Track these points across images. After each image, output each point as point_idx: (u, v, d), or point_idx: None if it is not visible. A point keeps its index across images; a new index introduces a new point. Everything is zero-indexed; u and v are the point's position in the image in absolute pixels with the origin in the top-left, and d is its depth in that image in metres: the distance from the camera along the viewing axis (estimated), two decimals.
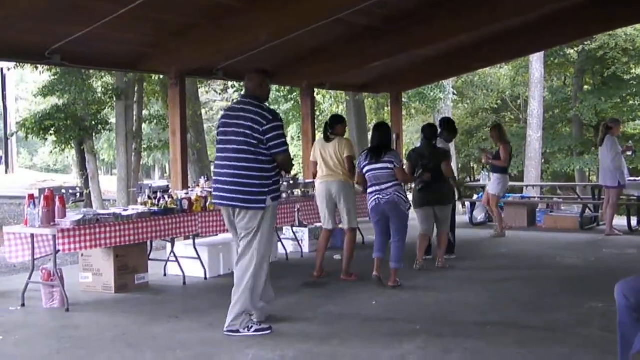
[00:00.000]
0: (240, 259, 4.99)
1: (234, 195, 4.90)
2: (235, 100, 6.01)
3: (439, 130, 8.22)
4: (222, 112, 5.37)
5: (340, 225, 9.45)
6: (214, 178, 5.15)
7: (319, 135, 7.55)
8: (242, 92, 5.40)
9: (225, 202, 4.99)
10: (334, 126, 7.02)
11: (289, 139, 21.05)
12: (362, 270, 6.87)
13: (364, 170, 6.51)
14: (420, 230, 7.45)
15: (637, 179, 11.21)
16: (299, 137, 20.29)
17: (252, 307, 4.95)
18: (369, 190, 6.52)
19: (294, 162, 5.72)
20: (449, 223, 7.60)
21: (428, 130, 7.58)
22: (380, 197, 6.39)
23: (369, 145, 6.81)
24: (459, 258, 8.04)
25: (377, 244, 6.58)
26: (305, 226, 8.78)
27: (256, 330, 4.89)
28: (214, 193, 5.15)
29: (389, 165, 6.36)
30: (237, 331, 4.87)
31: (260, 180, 4.87)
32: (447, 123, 8.46)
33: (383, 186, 6.38)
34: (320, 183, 7.05)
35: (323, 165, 6.99)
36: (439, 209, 7.40)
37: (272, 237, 5.19)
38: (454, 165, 18.41)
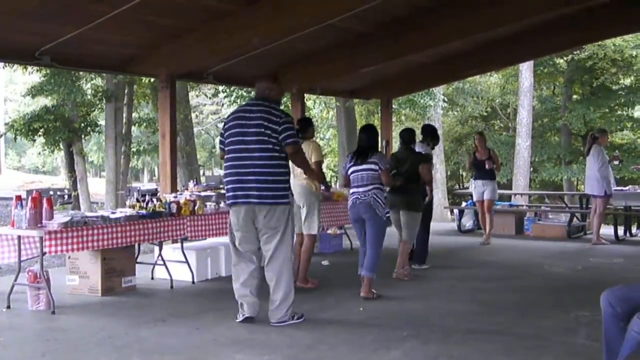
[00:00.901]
0: (273, 259, 5.17)
1: (262, 193, 5.05)
2: (246, 102, 6.04)
3: (422, 136, 8.29)
4: (231, 113, 5.32)
5: (329, 231, 9.50)
6: (231, 179, 5.17)
7: None
8: (253, 95, 5.52)
9: (253, 201, 5.08)
10: (306, 129, 6.83)
11: None
12: (348, 276, 6.87)
13: (349, 172, 6.45)
14: (399, 236, 7.34)
15: (623, 188, 11.29)
16: None
17: (293, 295, 5.27)
18: (350, 191, 6.46)
19: None
20: (413, 233, 7.29)
21: (406, 135, 7.54)
22: (359, 197, 6.30)
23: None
24: (446, 266, 8.04)
25: (361, 257, 6.45)
26: None
27: (298, 318, 5.28)
28: (232, 193, 5.17)
29: (373, 167, 6.29)
30: (285, 321, 5.20)
31: (284, 176, 5.18)
32: (431, 130, 8.51)
33: (363, 188, 6.29)
34: None
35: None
36: (404, 214, 7.20)
37: (294, 230, 5.48)
38: (443, 172, 18.60)
